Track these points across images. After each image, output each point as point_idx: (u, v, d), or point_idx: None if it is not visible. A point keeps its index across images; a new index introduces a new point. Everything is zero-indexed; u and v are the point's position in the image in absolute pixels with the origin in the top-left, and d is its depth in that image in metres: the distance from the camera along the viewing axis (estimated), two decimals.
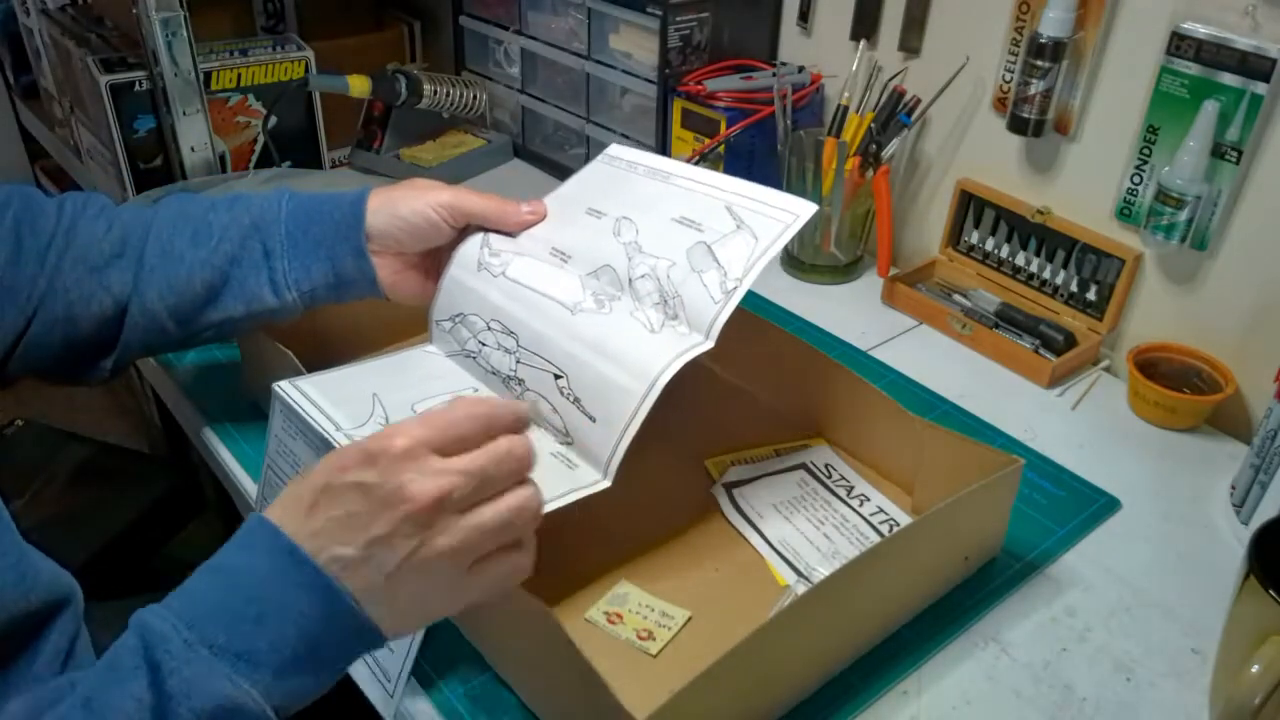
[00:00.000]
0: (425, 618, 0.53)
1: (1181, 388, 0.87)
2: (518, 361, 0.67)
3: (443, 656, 0.64)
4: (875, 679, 0.63)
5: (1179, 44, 0.82)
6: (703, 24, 1.10)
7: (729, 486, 0.77)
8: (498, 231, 0.73)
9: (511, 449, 0.51)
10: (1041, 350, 0.95)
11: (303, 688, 0.48)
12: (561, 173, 1.32)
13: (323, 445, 0.61)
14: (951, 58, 0.99)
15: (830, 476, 0.79)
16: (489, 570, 0.52)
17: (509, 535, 0.52)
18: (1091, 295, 0.96)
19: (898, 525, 0.74)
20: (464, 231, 0.74)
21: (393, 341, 0.92)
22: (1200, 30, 0.81)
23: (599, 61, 1.18)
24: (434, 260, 0.75)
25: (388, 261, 0.73)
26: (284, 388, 0.65)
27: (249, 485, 0.78)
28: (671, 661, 0.63)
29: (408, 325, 0.93)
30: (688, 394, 0.88)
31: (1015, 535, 0.73)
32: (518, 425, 0.53)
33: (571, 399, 0.63)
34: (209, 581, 0.49)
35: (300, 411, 0.64)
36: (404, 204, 0.72)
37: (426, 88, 1.28)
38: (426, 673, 0.63)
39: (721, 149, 1.07)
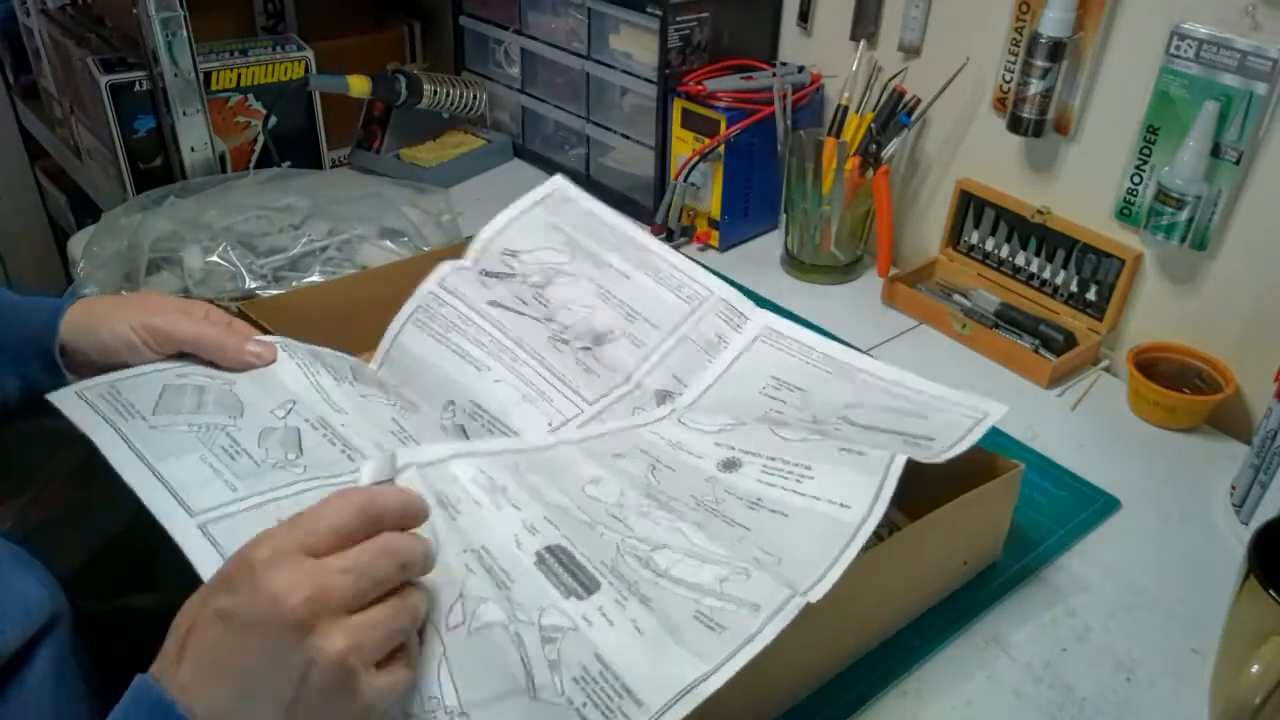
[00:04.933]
0: None
1: (1181, 388, 0.87)
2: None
3: None
4: (875, 679, 0.63)
5: (1179, 44, 0.82)
6: (703, 24, 1.10)
7: None
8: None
9: (388, 544, 0.45)
10: (1041, 350, 0.95)
11: None
12: (559, 171, 1.31)
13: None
14: (951, 58, 0.99)
15: None
16: (380, 682, 0.44)
17: (397, 640, 0.45)
18: (1091, 295, 0.96)
19: (897, 529, 0.74)
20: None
21: None
22: (1200, 30, 0.81)
23: (599, 61, 1.18)
24: None
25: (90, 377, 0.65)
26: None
27: None
28: None
29: None
30: None
31: (1015, 535, 0.73)
32: (405, 512, 0.47)
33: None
34: None
35: None
36: (103, 322, 0.64)
37: (426, 88, 1.28)
38: None
39: (721, 149, 1.07)
